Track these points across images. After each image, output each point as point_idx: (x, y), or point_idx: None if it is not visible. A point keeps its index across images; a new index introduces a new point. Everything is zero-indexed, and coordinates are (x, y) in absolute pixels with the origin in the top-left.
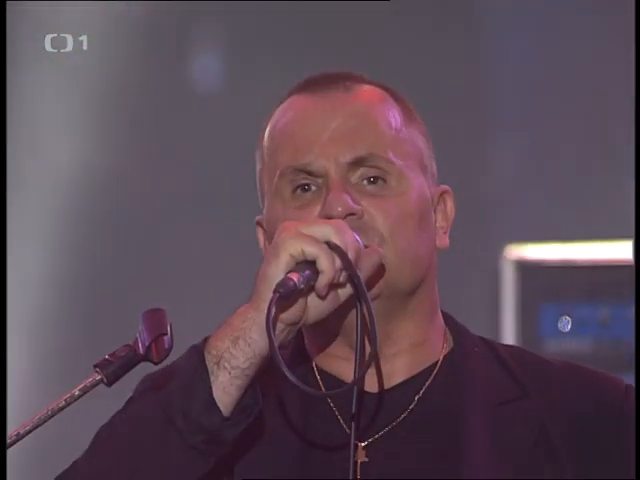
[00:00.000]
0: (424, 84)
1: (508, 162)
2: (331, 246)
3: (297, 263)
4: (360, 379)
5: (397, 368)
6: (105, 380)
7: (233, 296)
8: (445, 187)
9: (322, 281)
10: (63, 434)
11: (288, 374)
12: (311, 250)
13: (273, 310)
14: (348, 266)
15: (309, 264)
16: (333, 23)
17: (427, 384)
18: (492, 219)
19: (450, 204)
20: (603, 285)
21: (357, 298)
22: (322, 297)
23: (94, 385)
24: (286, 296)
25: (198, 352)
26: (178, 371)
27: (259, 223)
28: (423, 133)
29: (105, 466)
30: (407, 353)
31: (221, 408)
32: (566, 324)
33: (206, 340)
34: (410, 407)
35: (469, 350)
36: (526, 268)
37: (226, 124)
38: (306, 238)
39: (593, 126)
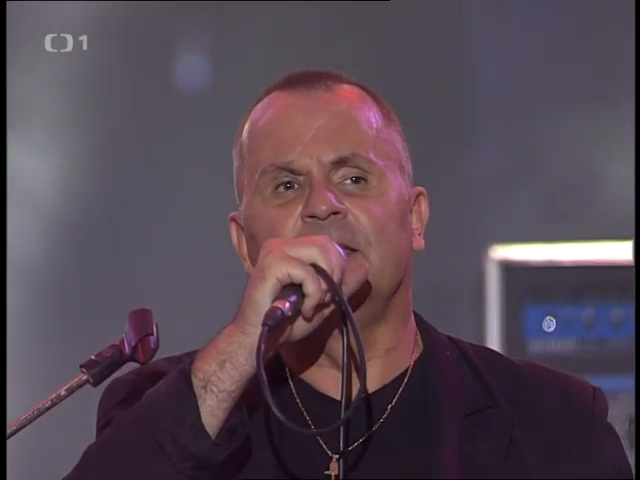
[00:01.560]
0: (408, 85)
1: (492, 164)
2: (317, 269)
3: (283, 286)
4: (347, 417)
5: (370, 376)
6: (91, 380)
7: (217, 297)
8: (420, 188)
9: (308, 304)
10: (49, 433)
11: (277, 412)
12: (297, 274)
13: (263, 346)
14: (334, 290)
15: (295, 287)
16: (320, 23)
17: (399, 392)
18: (476, 220)
19: (425, 205)
20: (587, 286)
21: (344, 322)
22: (308, 319)
23: (80, 385)
24: (275, 328)
25: (185, 376)
26: (165, 394)
27: (233, 219)
28: (400, 134)
29: None
30: (380, 359)
31: (209, 431)
32: (550, 324)
33: (192, 362)
34: (383, 417)
35: (439, 354)
36: (510, 269)
37: (226, 123)
38: (292, 261)
39: (575, 128)
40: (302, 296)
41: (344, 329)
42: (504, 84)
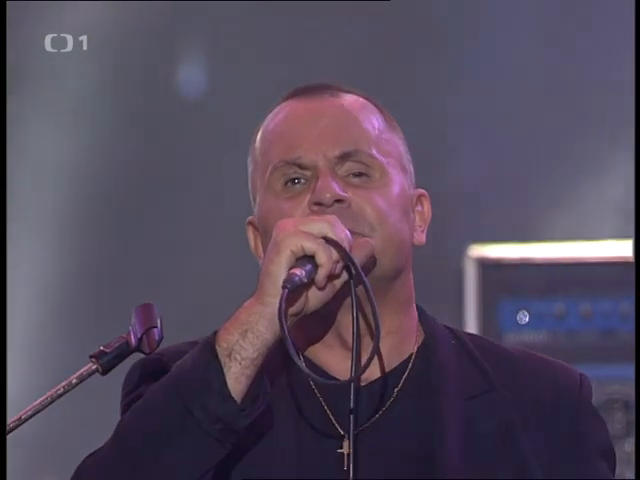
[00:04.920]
0: (391, 86)
1: (471, 169)
2: (328, 240)
3: (297, 259)
4: (360, 373)
5: (376, 358)
6: (100, 369)
7: (218, 294)
8: (422, 190)
9: (321, 273)
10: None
11: (301, 366)
12: (310, 245)
13: (284, 306)
14: (345, 256)
15: (308, 259)
16: (317, 29)
17: (405, 377)
18: (456, 221)
19: (427, 206)
20: (558, 282)
21: (353, 285)
22: (321, 288)
23: (90, 374)
24: (293, 291)
25: (210, 346)
26: (192, 364)
27: (250, 223)
28: (402, 140)
29: (128, 455)
30: (385, 343)
31: (234, 397)
32: (524, 318)
33: (215, 334)
34: (390, 399)
35: (440, 342)
36: (487, 266)
37: (225, 122)
38: (304, 235)
39: (550, 132)
40: (315, 266)
41: (353, 292)
42: (485, 89)
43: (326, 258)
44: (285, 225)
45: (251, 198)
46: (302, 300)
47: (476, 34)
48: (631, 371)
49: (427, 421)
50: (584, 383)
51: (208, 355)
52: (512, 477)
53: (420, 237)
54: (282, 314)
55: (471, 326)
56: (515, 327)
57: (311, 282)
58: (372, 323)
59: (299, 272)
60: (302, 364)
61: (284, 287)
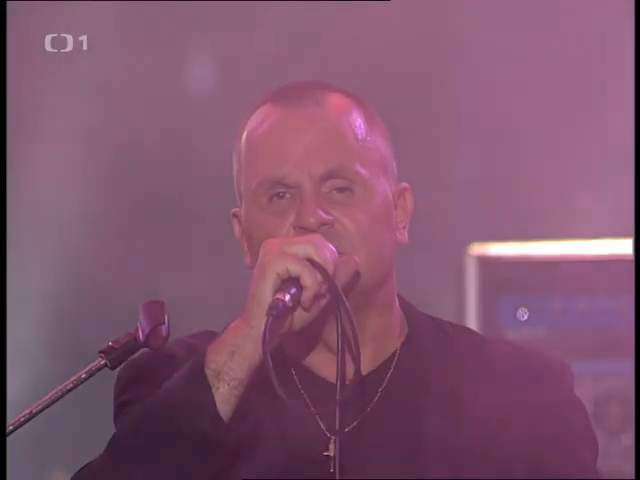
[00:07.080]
0: (394, 85)
1: (473, 169)
2: (313, 263)
3: (282, 281)
4: (343, 399)
5: (361, 359)
6: (109, 364)
7: (220, 290)
8: (405, 185)
9: (307, 296)
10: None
11: (282, 394)
12: (295, 268)
13: (268, 334)
14: (329, 282)
15: (294, 280)
16: (319, 31)
17: (388, 376)
18: (458, 220)
19: (409, 200)
20: (557, 279)
21: (338, 310)
22: (307, 310)
23: (99, 369)
24: (278, 317)
25: (200, 368)
26: (182, 386)
27: (235, 215)
28: (384, 135)
29: (120, 471)
30: (369, 344)
31: (223, 417)
32: (523, 314)
33: (204, 355)
34: (374, 400)
35: (423, 336)
36: (488, 263)
37: (227, 122)
38: (289, 257)
39: (550, 133)
40: (300, 288)
41: (338, 315)
42: (487, 87)
43: (311, 281)
44: (271, 247)
45: (236, 194)
46: (287, 321)
47: (477, 30)
48: (628, 366)
49: (410, 420)
50: (564, 369)
51: (198, 376)
52: (496, 475)
53: (402, 235)
54: (266, 344)
55: (471, 322)
56: (515, 323)
57: (297, 304)
58: (356, 332)
59: (283, 297)
60: (284, 394)
61: (269, 314)
